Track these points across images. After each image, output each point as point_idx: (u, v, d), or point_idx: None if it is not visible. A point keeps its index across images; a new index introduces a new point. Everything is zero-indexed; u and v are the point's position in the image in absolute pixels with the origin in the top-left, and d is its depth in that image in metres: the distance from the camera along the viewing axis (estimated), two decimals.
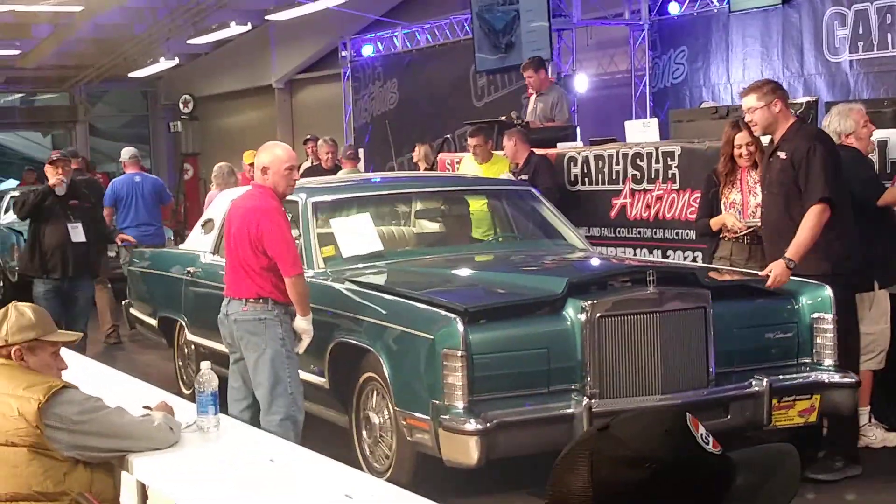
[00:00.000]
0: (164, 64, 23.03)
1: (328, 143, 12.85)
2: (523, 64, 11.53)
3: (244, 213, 6.33)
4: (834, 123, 6.85)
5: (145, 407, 4.25)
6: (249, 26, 20.35)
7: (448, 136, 12.84)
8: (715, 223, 7.31)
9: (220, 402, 4.45)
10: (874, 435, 6.87)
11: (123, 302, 10.16)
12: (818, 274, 6.31)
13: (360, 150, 16.27)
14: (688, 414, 1.54)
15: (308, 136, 14.45)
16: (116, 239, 10.91)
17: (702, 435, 1.51)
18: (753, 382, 6.12)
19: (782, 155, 6.29)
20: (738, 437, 6.22)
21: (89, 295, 10.11)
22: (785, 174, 6.27)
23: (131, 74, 24.66)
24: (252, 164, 11.14)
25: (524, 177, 9.33)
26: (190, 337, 8.53)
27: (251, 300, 6.26)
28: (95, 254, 10.18)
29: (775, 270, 6.18)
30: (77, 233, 9.55)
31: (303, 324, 6.30)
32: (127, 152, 12.68)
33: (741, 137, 7.18)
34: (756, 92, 6.37)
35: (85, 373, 4.97)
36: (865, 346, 6.83)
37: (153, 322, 9.39)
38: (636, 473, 1.45)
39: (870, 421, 6.91)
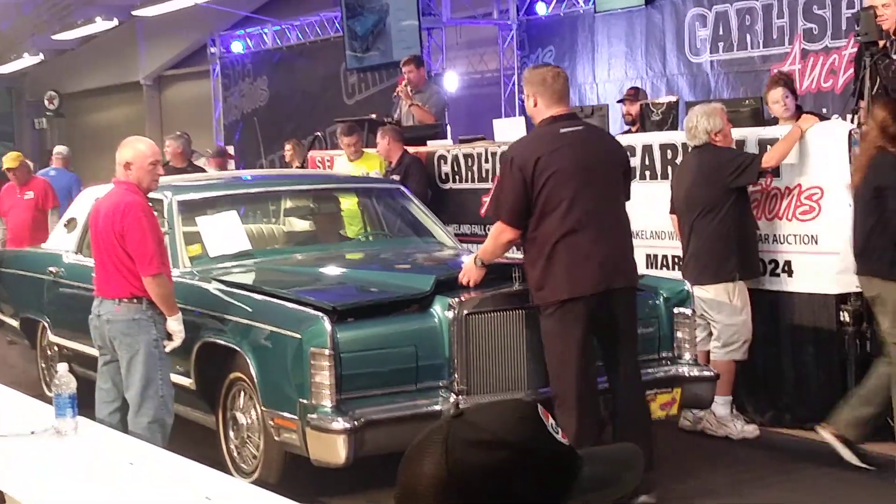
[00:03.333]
0: (28, 60, 22.51)
1: (176, 139, 12.23)
2: (404, 59, 11.55)
3: (107, 210, 6.21)
4: (703, 123, 7.02)
5: None
6: (116, 22, 20.00)
7: (318, 133, 12.77)
8: None
9: (83, 403, 4.37)
10: (734, 426, 7.07)
11: None
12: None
13: (230, 148, 16.11)
14: (539, 405, 1.57)
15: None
16: None
17: (552, 424, 1.54)
18: None
19: None
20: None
21: None
22: None
23: None
24: (8, 169, 11.74)
25: (396, 176, 9.36)
26: (53, 338, 8.35)
27: (125, 300, 6.15)
28: None
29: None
30: None
31: (173, 324, 6.21)
32: (57, 149, 14.77)
33: None
34: None
35: None
36: (728, 336, 7.02)
37: (15, 323, 9.17)
38: (491, 456, 1.47)
39: (731, 412, 7.11)
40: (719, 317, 7.04)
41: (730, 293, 7.01)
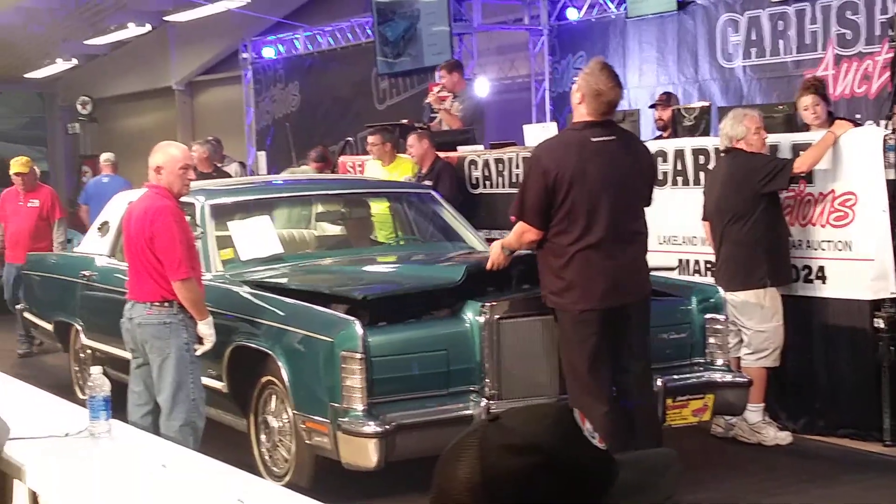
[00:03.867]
0: (61, 65, 22.64)
1: (201, 144, 12.26)
2: (442, 64, 11.59)
3: (138, 214, 6.25)
4: (727, 128, 7.03)
5: None
6: (148, 27, 20.09)
7: (350, 138, 12.78)
8: None
9: (116, 407, 4.39)
10: (767, 433, 7.02)
11: (17, 306, 9.98)
12: None
13: (263, 153, 16.17)
14: (575, 409, 1.56)
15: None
16: None
17: (588, 429, 1.54)
18: None
19: None
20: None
21: None
22: None
23: (27, 75, 24.18)
24: (16, 174, 11.50)
25: (428, 181, 9.36)
26: (85, 341, 8.40)
27: (156, 304, 6.18)
28: None
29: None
30: None
31: (204, 328, 6.24)
32: (104, 156, 14.96)
33: None
34: None
35: None
36: (759, 343, 6.98)
37: (48, 326, 9.23)
38: (524, 460, 1.47)
39: (763, 419, 7.06)
40: (750, 323, 7.00)
41: (760, 299, 6.97)
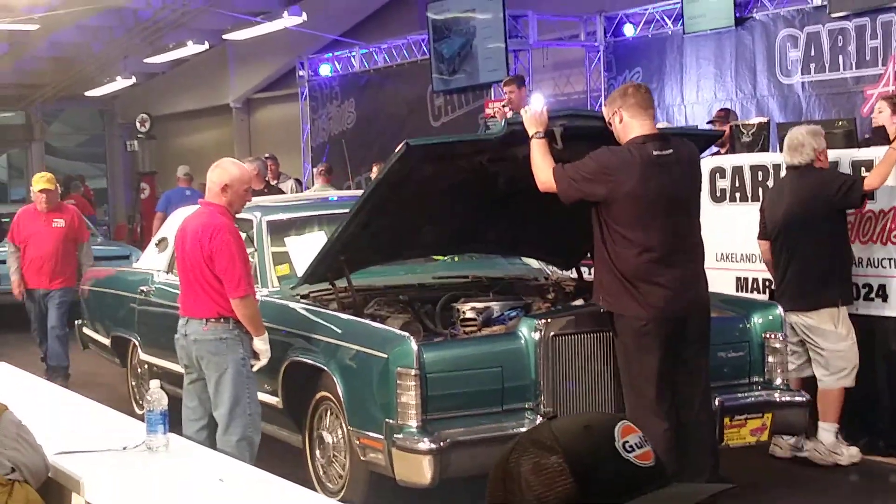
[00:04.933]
0: (121, 83, 22.91)
1: (252, 161, 12.25)
2: (506, 80, 11.62)
3: (196, 230, 6.26)
4: (811, 141, 6.87)
5: None
6: (207, 45, 20.29)
7: None
8: None
9: (173, 421, 4.42)
10: (842, 453, 6.89)
11: (77, 322, 10.08)
12: None
13: (319, 168, 16.24)
14: (623, 421, 1.60)
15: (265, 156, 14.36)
16: None
17: (626, 442, 1.57)
18: None
19: None
20: None
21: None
22: None
23: (88, 93, 24.51)
24: (42, 191, 10.12)
25: None
26: (143, 356, 8.46)
27: (212, 320, 6.19)
28: None
29: None
30: None
31: (260, 344, 6.26)
32: (181, 169, 15.51)
33: None
34: None
35: (31, 390, 4.92)
36: (836, 363, 6.86)
37: (106, 342, 9.31)
38: (541, 457, 1.55)
39: (838, 439, 6.94)
40: (826, 344, 6.86)
41: (834, 319, 6.85)
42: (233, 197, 6.24)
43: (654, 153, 5.72)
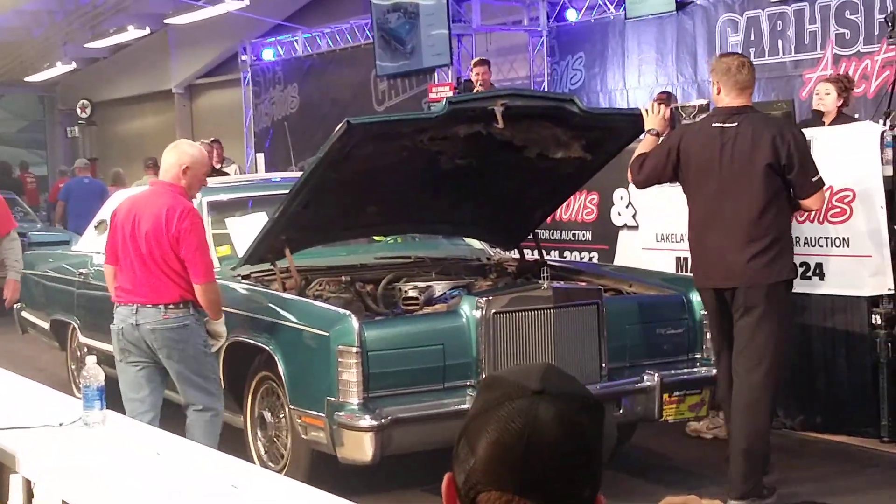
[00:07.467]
0: (61, 68, 22.67)
1: (207, 145, 12.33)
2: (475, 61, 12.04)
3: (157, 213, 5.93)
4: None
5: None
6: (148, 30, 20.13)
7: None
8: None
9: (111, 398, 4.38)
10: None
11: (15, 305, 9.94)
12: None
13: (261, 155, 16.17)
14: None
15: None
16: None
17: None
18: (645, 377, 6.23)
19: None
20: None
21: None
22: None
23: (28, 79, 24.22)
24: None
25: None
26: (83, 339, 8.39)
27: (171, 306, 5.95)
28: None
29: None
30: None
31: (220, 327, 6.14)
32: (80, 161, 15.57)
33: None
34: None
35: None
36: None
37: (45, 325, 9.22)
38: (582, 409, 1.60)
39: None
40: None
41: None
42: (192, 180, 6.04)
43: (713, 124, 5.81)
